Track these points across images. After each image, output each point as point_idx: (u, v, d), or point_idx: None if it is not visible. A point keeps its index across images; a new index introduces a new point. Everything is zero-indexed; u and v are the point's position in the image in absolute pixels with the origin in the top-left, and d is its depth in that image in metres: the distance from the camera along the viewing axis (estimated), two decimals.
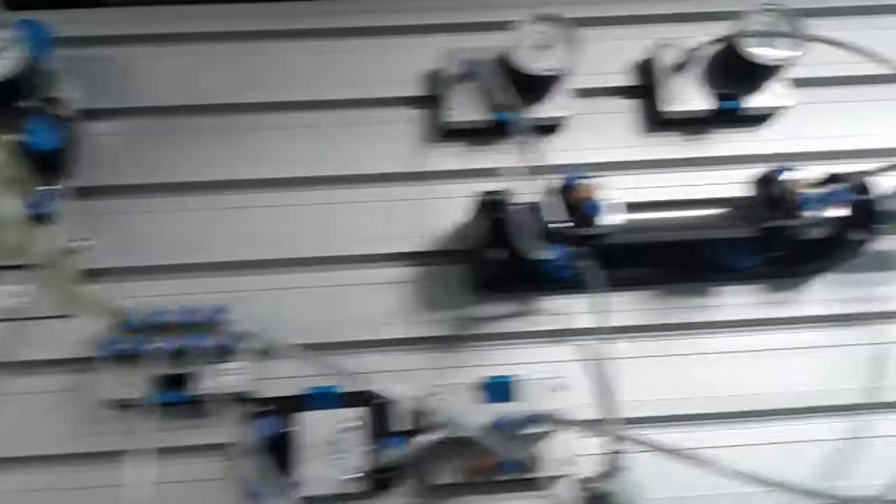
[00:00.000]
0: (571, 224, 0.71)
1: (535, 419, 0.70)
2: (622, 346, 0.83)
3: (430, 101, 0.91)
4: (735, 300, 0.88)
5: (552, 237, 0.71)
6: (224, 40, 0.92)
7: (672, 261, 0.86)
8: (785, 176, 0.73)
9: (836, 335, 0.87)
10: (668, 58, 0.90)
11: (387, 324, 0.84)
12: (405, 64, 0.93)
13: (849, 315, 0.87)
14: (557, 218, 0.71)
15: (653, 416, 0.82)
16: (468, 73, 0.88)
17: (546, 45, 0.85)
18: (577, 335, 0.84)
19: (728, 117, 0.91)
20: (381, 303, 0.85)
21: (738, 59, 0.86)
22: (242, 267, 0.85)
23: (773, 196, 0.75)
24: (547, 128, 0.91)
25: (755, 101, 0.90)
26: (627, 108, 0.94)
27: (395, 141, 0.90)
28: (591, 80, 0.92)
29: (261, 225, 0.86)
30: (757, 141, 0.92)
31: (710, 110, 0.89)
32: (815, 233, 0.78)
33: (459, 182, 0.87)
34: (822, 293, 0.88)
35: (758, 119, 0.93)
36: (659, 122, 0.92)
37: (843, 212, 0.77)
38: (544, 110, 0.88)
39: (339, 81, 0.92)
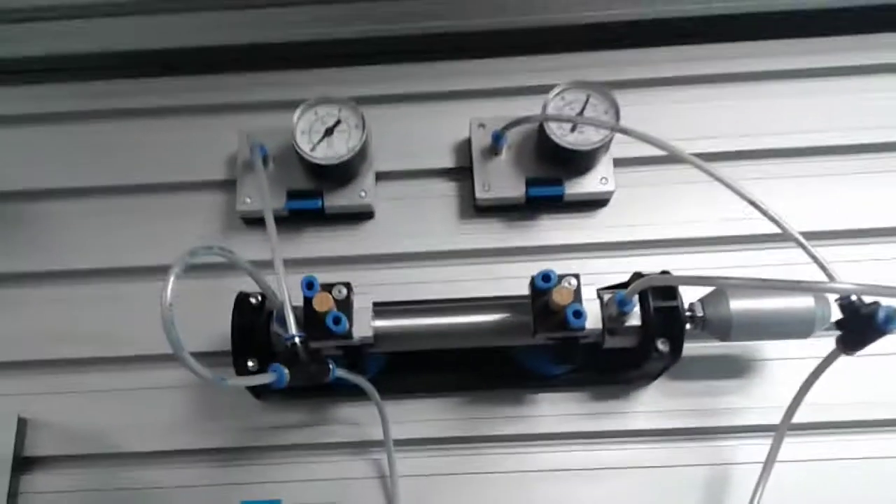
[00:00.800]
0: (299, 340, 0.62)
1: None
2: (416, 461, 0.74)
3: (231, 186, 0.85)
4: (553, 410, 0.77)
5: (286, 355, 0.63)
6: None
7: (476, 365, 0.76)
8: (551, 283, 0.64)
9: (670, 452, 0.75)
10: (485, 138, 0.82)
11: (164, 434, 0.77)
12: (211, 145, 0.88)
13: (683, 429, 0.76)
14: (287, 333, 0.63)
15: None
16: (262, 157, 0.81)
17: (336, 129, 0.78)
18: (367, 447, 0.76)
19: (551, 203, 0.82)
20: (158, 410, 0.78)
21: (550, 142, 0.77)
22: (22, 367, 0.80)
23: (542, 305, 0.65)
24: (358, 214, 0.83)
25: (579, 185, 0.81)
26: (445, 192, 0.85)
27: (190, 229, 0.85)
28: (406, 161, 0.85)
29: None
30: (580, 229, 0.83)
31: (531, 196, 0.80)
32: (614, 342, 0.68)
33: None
34: (652, 403, 0.77)
35: (583, 205, 0.83)
36: (478, 208, 0.83)
37: (637, 321, 0.66)
38: (350, 196, 0.81)
39: (138, 164, 0.88)
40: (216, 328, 0.74)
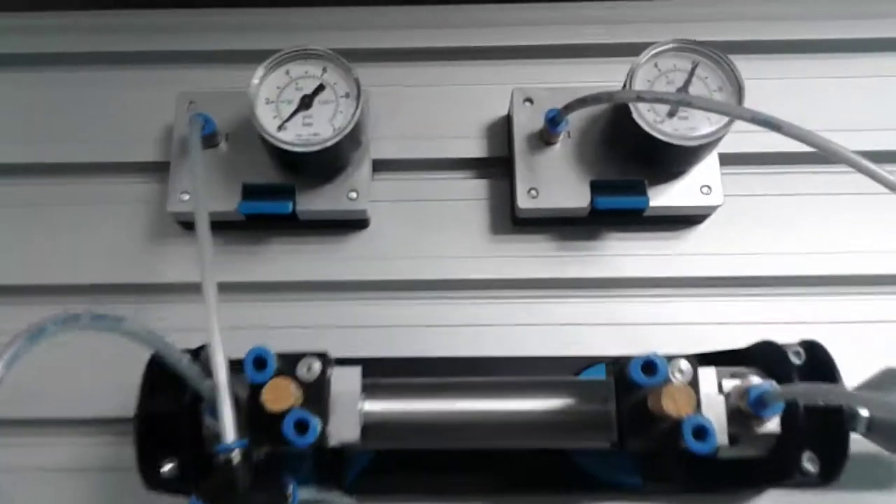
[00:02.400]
0: (238, 454, 0.37)
1: None
2: None
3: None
4: None
5: (220, 473, 0.38)
6: None
7: (507, 462, 0.52)
8: (656, 378, 0.39)
9: None
10: (534, 120, 0.56)
11: None
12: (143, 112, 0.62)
13: None
14: (222, 439, 0.38)
15: None
16: (209, 135, 0.55)
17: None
18: None
19: (627, 218, 0.57)
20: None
21: (634, 130, 0.51)
22: None
23: (635, 408, 0.40)
24: (345, 223, 0.58)
25: (669, 194, 0.55)
26: (471, 195, 0.60)
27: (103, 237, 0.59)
28: (416, 148, 0.59)
29: None
30: (668, 256, 0.58)
31: (599, 208, 0.55)
32: (734, 451, 0.44)
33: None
34: None
35: (672, 223, 0.58)
36: (519, 220, 0.58)
37: (775, 427, 0.42)
38: (335, 196, 0.56)
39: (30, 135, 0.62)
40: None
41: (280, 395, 0.39)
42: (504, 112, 0.61)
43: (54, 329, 0.31)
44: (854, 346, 0.54)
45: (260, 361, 0.40)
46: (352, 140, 0.54)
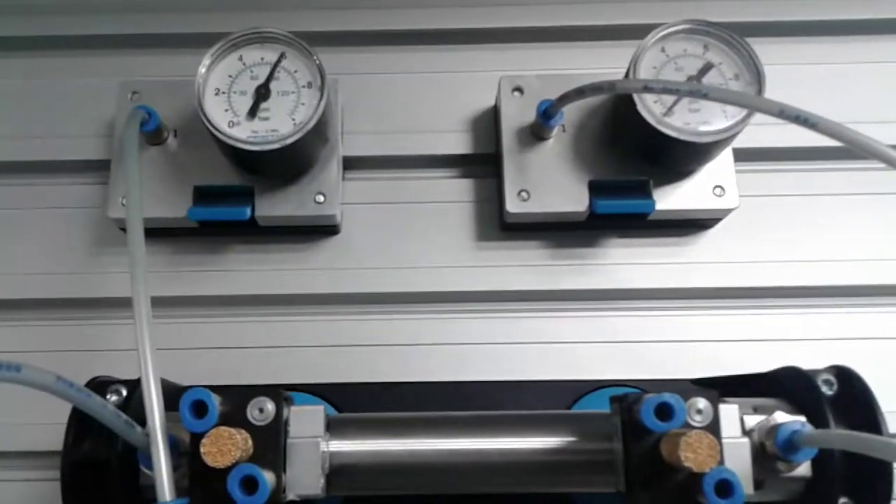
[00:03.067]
0: None
1: None
2: None
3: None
4: None
5: None
6: None
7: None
8: (671, 423, 0.33)
9: None
10: (525, 112, 0.50)
11: None
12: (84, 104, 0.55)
13: None
14: (160, 496, 0.32)
15: None
16: (153, 130, 0.48)
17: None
18: None
19: (630, 222, 0.51)
20: None
21: (638, 124, 0.45)
22: None
23: (646, 455, 0.34)
24: (312, 230, 0.51)
25: (676, 196, 0.49)
26: (455, 197, 0.53)
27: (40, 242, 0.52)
28: (392, 144, 0.52)
29: None
30: (676, 264, 0.51)
31: (598, 212, 0.48)
32: (761, 496, 0.38)
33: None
34: None
35: (681, 227, 0.52)
36: (509, 225, 0.51)
37: (806, 471, 0.36)
38: (299, 200, 0.49)
39: None
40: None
41: (223, 448, 0.32)
42: (491, 103, 0.54)
43: None
44: (886, 366, 0.48)
45: (199, 407, 0.33)
46: (317, 136, 0.47)
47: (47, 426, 0.45)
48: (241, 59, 0.47)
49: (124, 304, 0.50)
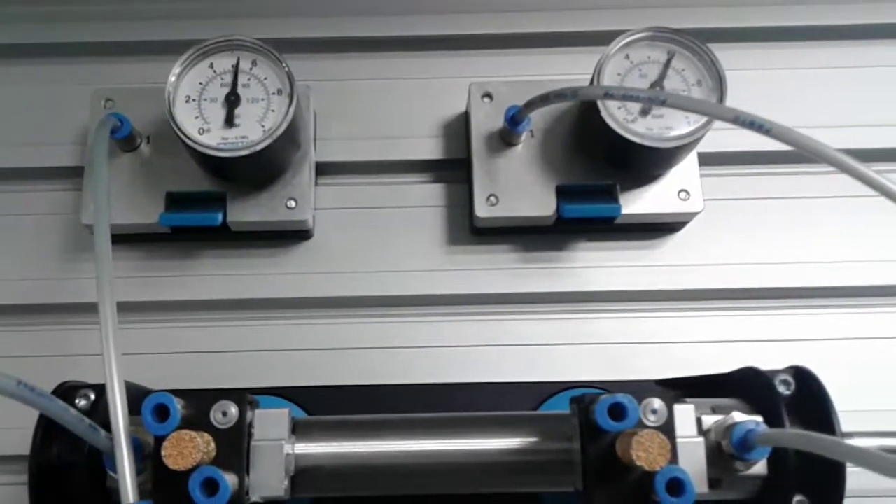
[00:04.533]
0: None
1: None
2: None
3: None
4: None
5: None
6: None
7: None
8: (623, 423, 0.33)
9: None
10: (494, 118, 0.51)
11: None
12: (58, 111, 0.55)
13: None
14: (123, 499, 0.32)
15: None
16: (125, 137, 0.49)
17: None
18: None
19: (597, 227, 0.51)
20: None
21: (603, 131, 0.46)
22: None
23: (601, 456, 0.35)
24: (283, 235, 0.52)
25: (642, 200, 0.49)
26: (425, 202, 0.54)
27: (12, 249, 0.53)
28: (364, 150, 0.53)
29: None
30: (642, 267, 0.52)
31: (566, 217, 0.49)
32: (717, 495, 0.39)
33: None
34: None
35: (646, 231, 0.53)
36: (478, 230, 0.52)
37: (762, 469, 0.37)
38: (271, 205, 0.50)
39: None
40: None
41: (184, 451, 0.33)
42: (462, 109, 0.55)
43: None
44: (846, 366, 0.49)
45: (161, 410, 0.34)
46: (288, 142, 0.48)
47: (13, 430, 0.46)
48: (211, 66, 0.47)
49: (96, 309, 0.51)
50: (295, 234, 0.53)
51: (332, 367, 0.51)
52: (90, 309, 0.51)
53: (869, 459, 0.29)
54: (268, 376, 0.50)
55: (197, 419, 0.35)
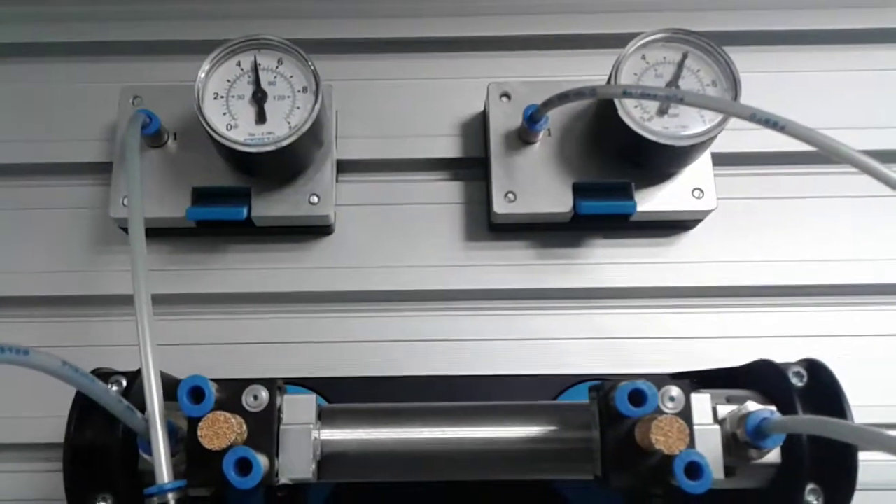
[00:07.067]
0: (173, 500, 0.33)
1: None
2: None
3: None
4: None
5: None
6: None
7: (483, 493, 0.47)
8: (643, 409, 0.35)
9: None
10: (512, 117, 0.52)
11: None
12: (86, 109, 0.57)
13: None
14: (158, 478, 0.33)
15: None
16: (154, 133, 0.50)
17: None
18: None
19: (613, 223, 0.53)
20: None
21: (620, 129, 0.47)
22: None
23: (620, 441, 0.36)
24: (306, 230, 0.53)
25: (657, 198, 0.51)
26: (445, 199, 0.55)
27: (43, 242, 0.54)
28: (384, 148, 0.54)
29: None
30: (657, 264, 0.53)
31: (582, 213, 0.50)
32: (730, 483, 0.40)
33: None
34: None
35: (661, 228, 0.54)
36: (496, 226, 0.53)
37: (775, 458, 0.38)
38: (294, 201, 0.51)
39: None
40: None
41: (219, 431, 0.34)
42: (480, 108, 0.56)
43: None
44: (859, 362, 0.50)
45: (197, 393, 0.35)
46: (312, 139, 0.49)
47: (43, 419, 0.47)
48: (238, 64, 0.49)
49: (124, 301, 0.52)
50: (316, 230, 0.54)
51: (353, 358, 0.52)
52: (118, 301, 0.53)
53: (883, 442, 0.30)
54: (289, 367, 0.51)
55: (229, 403, 0.36)
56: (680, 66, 0.49)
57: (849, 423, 0.35)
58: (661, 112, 0.48)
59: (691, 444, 0.35)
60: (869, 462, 0.40)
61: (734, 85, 0.47)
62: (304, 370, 0.51)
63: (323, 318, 0.53)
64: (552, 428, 0.41)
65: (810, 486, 0.40)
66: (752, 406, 0.39)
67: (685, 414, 0.36)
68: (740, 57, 0.48)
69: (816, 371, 0.42)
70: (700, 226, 0.54)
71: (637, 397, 0.35)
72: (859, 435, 0.32)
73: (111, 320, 0.52)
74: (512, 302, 0.53)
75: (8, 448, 0.50)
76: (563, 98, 0.47)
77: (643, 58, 0.49)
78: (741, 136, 0.52)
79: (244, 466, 0.34)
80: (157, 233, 0.53)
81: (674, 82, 0.48)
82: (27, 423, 0.49)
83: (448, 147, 0.56)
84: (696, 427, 0.37)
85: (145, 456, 0.39)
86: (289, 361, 0.52)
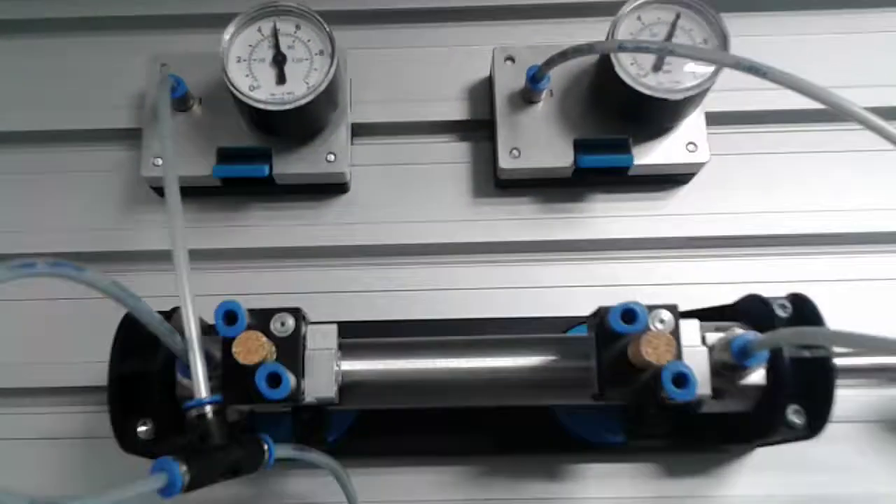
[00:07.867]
0: (211, 411, 0.36)
1: None
2: None
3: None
4: (606, 490, 0.52)
5: (193, 432, 0.37)
6: None
7: (489, 421, 0.51)
8: (636, 326, 0.38)
9: None
10: (516, 79, 0.55)
11: None
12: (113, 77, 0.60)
13: None
14: (193, 396, 0.37)
15: None
16: (180, 97, 0.54)
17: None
18: None
19: (612, 177, 0.56)
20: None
21: (617, 85, 0.50)
22: None
23: (615, 357, 0.39)
24: (323, 187, 0.57)
25: (653, 152, 0.54)
26: (453, 158, 0.58)
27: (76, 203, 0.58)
28: (396, 110, 0.58)
29: None
30: (653, 216, 0.57)
31: (583, 167, 0.54)
32: (718, 406, 0.44)
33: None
34: (754, 483, 0.52)
35: (658, 181, 0.57)
36: (502, 182, 0.57)
37: (760, 379, 0.41)
38: (312, 159, 0.55)
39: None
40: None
41: (251, 348, 0.38)
42: (486, 74, 0.59)
43: (8, 275, 0.30)
44: (845, 305, 0.53)
45: (230, 316, 0.39)
46: (328, 99, 0.53)
47: (89, 363, 0.51)
48: (259, 30, 0.52)
49: (155, 256, 0.56)
50: (333, 188, 0.57)
51: (368, 306, 0.55)
52: (147, 257, 0.56)
53: (857, 340, 0.33)
54: (310, 314, 0.55)
55: (259, 328, 0.40)
56: (673, 25, 0.52)
57: (825, 329, 0.38)
58: (656, 68, 0.51)
59: (679, 357, 0.38)
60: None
61: (724, 42, 0.50)
62: (322, 318, 0.54)
63: (339, 270, 0.57)
64: (553, 357, 0.44)
65: (793, 407, 0.43)
66: (737, 331, 0.43)
67: (674, 333, 0.39)
68: (736, 21, 0.51)
69: (800, 303, 0.45)
70: (695, 179, 0.57)
71: (629, 316, 0.38)
72: (836, 337, 0.35)
73: (143, 272, 0.56)
74: (517, 255, 0.57)
75: (56, 392, 0.54)
76: (563, 56, 0.50)
77: (639, 18, 0.52)
78: (733, 97, 0.55)
79: (274, 380, 0.38)
80: (184, 192, 0.56)
81: (667, 40, 0.51)
82: (73, 367, 0.53)
83: (456, 110, 0.59)
84: (684, 348, 0.40)
85: (183, 381, 0.43)
86: (308, 311, 0.55)
